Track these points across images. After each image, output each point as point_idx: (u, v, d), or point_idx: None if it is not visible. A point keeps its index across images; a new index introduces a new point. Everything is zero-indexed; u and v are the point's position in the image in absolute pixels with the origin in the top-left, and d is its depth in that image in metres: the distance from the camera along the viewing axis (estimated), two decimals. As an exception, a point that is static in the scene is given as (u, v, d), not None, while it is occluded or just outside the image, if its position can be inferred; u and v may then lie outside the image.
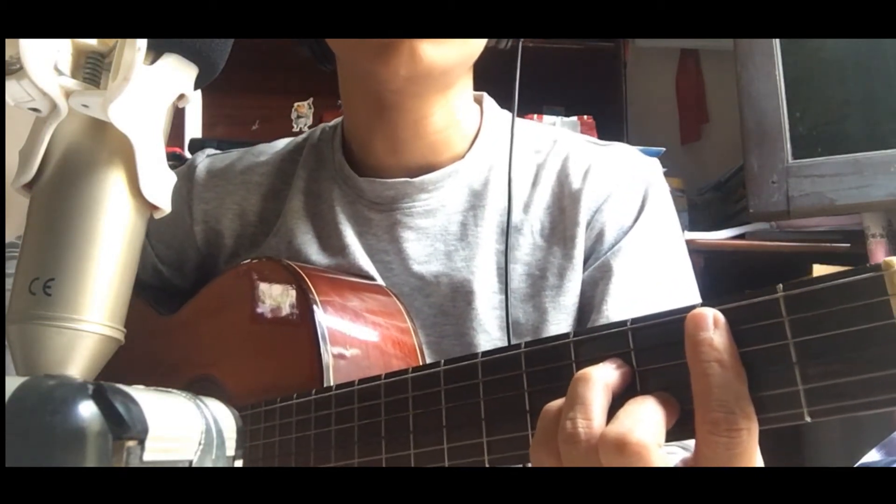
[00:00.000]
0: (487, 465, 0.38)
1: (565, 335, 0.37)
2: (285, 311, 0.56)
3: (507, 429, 0.37)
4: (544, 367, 0.37)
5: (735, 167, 1.58)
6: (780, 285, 0.30)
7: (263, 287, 0.58)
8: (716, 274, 1.38)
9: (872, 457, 0.85)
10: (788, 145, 1.23)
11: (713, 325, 0.31)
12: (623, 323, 0.35)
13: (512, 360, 0.38)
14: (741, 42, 1.29)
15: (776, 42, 1.26)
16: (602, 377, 0.33)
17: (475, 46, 0.61)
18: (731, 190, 1.65)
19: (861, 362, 0.28)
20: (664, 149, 1.55)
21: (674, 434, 0.32)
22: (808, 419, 0.29)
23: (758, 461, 0.33)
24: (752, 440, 0.30)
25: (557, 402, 0.34)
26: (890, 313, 0.27)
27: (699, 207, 1.71)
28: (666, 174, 1.57)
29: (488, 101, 0.70)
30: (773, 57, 1.26)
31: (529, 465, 0.36)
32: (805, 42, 1.26)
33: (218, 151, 0.76)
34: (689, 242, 1.40)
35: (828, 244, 1.39)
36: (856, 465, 0.88)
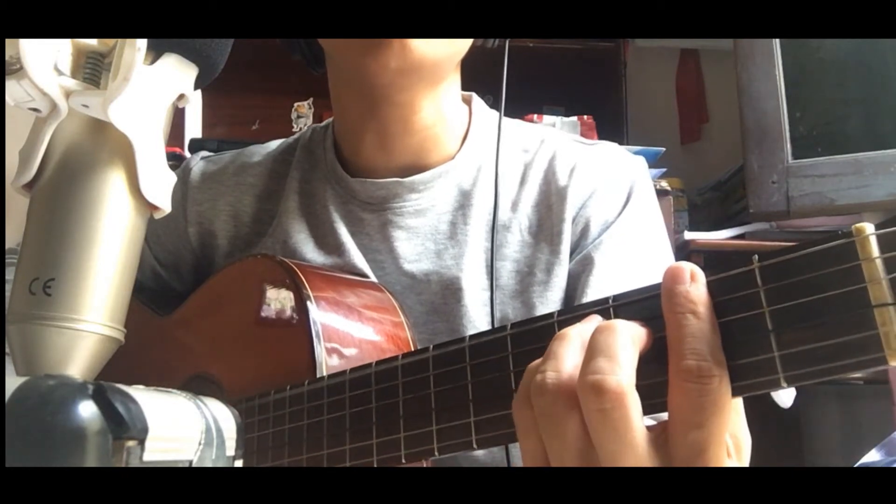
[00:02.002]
0: (475, 446, 0.38)
1: (549, 315, 0.37)
2: (279, 307, 0.56)
3: (494, 408, 0.38)
4: (529, 347, 0.37)
5: (735, 167, 1.59)
6: (756, 256, 0.31)
7: (257, 284, 0.58)
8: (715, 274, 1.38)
9: (872, 457, 0.85)
10: (788, 145, 1.23)
11: (690, 279, 0.32)
12: (605, 300, 0.35)
13: (498, 342, 0.39)
14: (741, 42, 1.29)
15: (776, 42, 1.26)
16: (578, 334, 0.34)
17: (464, 42, 0.61)
18: (731, 190, 1.65)
19: (835, 327, 0.29)
20: (664, 149, 1.55)
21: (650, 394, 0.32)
22: (784, 385, 0.29)
23: (740, 417, 0.34)
24: (723, 387, 0.30)
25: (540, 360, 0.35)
26: (861, 278, 0.28)
27: (699, 207, 1.72)
28: (666, 174, 1.58)
29: (477, 101, 0.71)
30: (773, 57, 1.26)
31: (516, 445, 0.36)
32: (805, 42, 1.26)
33: (212, 154, 0.77)
34: (689, 242, 1.42)
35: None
36: (856, 465, 0.88)
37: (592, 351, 0.31)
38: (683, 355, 0.30)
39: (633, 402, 0.31)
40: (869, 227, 0.28)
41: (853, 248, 0.28)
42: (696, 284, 0.32)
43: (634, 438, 0.31)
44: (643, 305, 0.34)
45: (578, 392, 0.31)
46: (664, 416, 0.32)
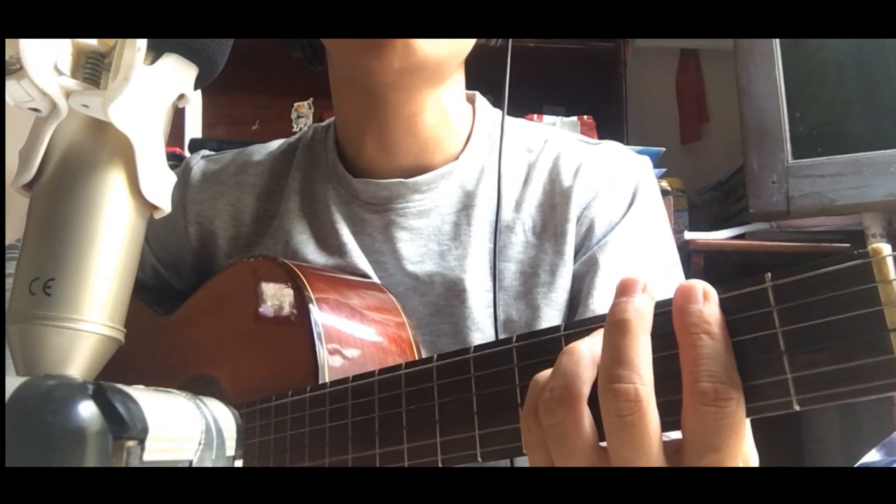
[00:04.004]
0: (480, 459, 0.38)
1: (556, 328, 0.37)
2: (280, 308, 0.56)
3: (499, 422, 0.37)
4: (535, 360, 0.37)
5: (735, 167, 1.59)
6: (769, 274, 0.30)
7: (259, 285, 0.58)
8: (716, 274, 1.38)
9: (872, 457, 0.85)
10: (788, 145, 1.23)
11: (703, 298, 0.31)
12: None
13: (503, 354, 0.38)
14: (741, 42, 1.29)
15: (776, 42, 1.26)
16: (588, 349, 0.33)
17: (468, 41, 0.61)
18: (731, 190, 1.65)
19: (849, 350, 0.28)
20: (664, 149, 1.55)
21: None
22: (796, 407, 0.29)
23: (748, 436, 0.33)
24: (739, 410, 0.30)
25: (546, 372, 0.34)
26: (878, 300, 0.27)
27: (699, 207, 1.72)
28: (666, 174, 1.58)
29: (480, 100, 0.70)
30: (773, 57, 1.26)
31: (520, 458, 0.36)
32: (805, 42, 1.26)
33: (212, 153, 0.76)
34: (689, 242, 1.42)
35: (828, 244, 1.39)
36: (856, 465, 0.88)
37: (613, 356, 0.31)
38: (699, 377, 0.30)
39: (652, 410, 0.30)
40: (886, 248, 0.28)
41: (869, 269, 0.28)
42: (709, 304, 0.31)
43: (651, 447, 0.30)
44: (655, 321, 0.33)
45: (600, 397, 0.31)
46: (672, 434, 0.32)
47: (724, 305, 0.31)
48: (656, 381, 0.31)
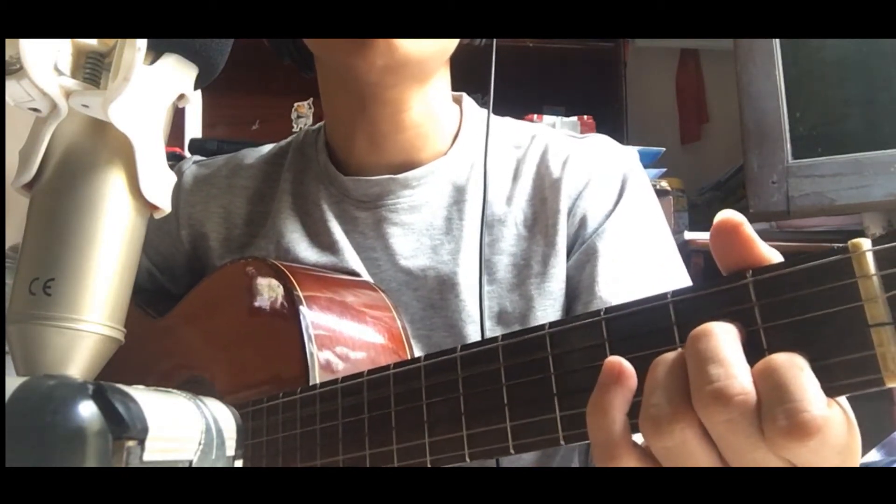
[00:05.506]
0: (468, 459, 0.38)
1: (541, 326, 0.36)
2: (270, 309, 0.56)
3: (487, 422, 0.37)
4: (521, 360, 0.37)
5: (735, 167, 1.59)
6: (750, 270, 0.30)
7: (248, 286, 0.58)
8: (716, 274, 1.38)
9: (872, 457, 0.85)
10: (788, 145, 1.23)
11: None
12: (597, 313, 0.34)
13: (489, 353, 0.38)
14: (741, 42, 1.29)
15: (776, 42, 1.26)
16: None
17: (451, 39, 0.62)
18: (731, 190, 1.65)
19: (830, 346, 0.28)
20: (664, 149, 1.55)
21: None
22: None
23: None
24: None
25: (670, 357, 0.31)
26: (858, 295, 0.27)
27: (699, 207, 1.71)
28: (666, 174, 1.58)
29: (467, 100, 0.72)
30: (773, 57, 1.26)
31: (507, 457, 0.36)
32: (805, 42, 1.26)
33: (205, 158, 0.78)
34: (689, 242, 1.42)
35: (828, 244, 1.39)
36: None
37: (700, 360, 0.29)
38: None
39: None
40: (866, 243, 0.27)
41: (849, 264, 0.27)
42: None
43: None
44: (637, 319, 0.33)
45: (697, 407, 0.29)
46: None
47: (707, 302, 0.31)
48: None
